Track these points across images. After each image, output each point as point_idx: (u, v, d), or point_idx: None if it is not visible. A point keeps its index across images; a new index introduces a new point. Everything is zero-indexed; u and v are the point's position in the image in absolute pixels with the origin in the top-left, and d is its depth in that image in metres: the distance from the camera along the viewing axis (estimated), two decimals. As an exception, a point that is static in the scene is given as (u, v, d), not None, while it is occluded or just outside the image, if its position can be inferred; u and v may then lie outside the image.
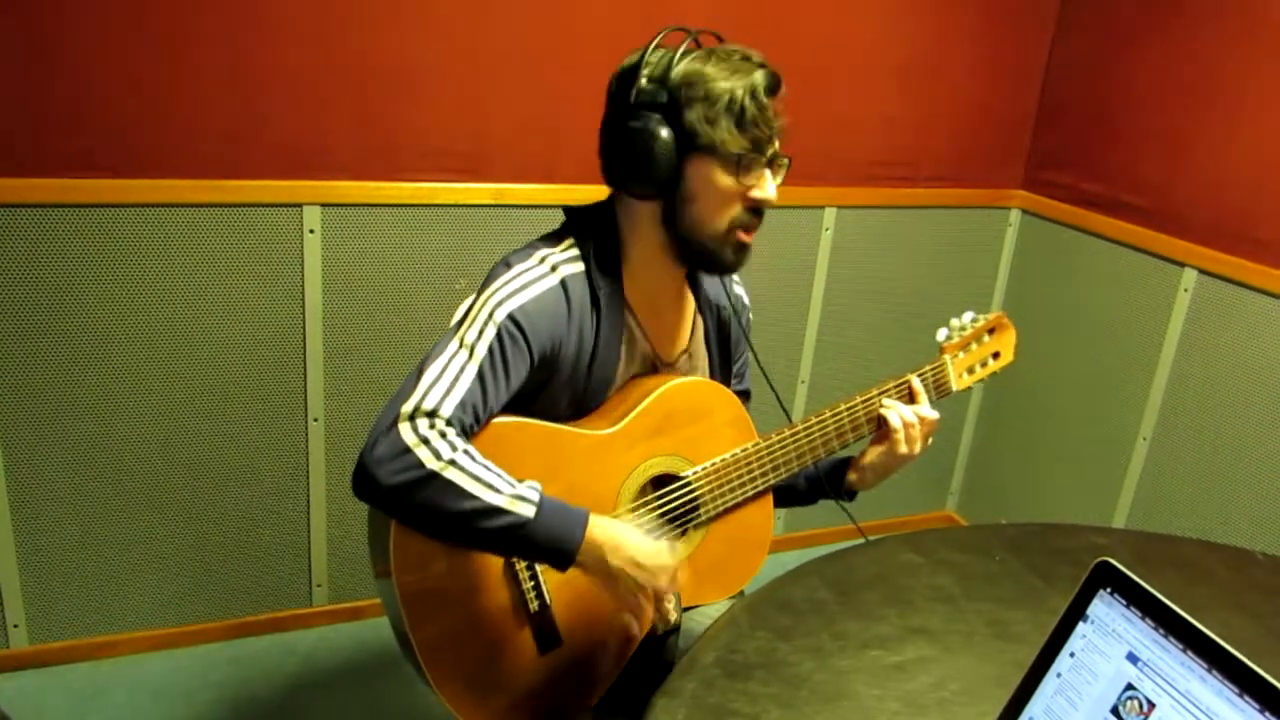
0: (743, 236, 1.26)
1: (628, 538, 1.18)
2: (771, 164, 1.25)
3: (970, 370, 1.53)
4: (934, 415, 1.44)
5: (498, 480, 1.14)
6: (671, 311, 1.39)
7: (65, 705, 2.01)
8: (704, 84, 1.20)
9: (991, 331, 1.55)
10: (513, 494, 1.13)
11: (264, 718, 2.04)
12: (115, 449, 2.04)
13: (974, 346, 1.53)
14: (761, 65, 1.23)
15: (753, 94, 1.20)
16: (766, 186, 1.25)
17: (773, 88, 1.23)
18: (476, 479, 1.12)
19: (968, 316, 1.53)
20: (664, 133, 1.20)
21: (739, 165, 1.22)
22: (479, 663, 1.25)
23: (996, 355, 1.56)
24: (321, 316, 2.12)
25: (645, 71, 1.22)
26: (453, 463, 1.12)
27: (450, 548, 1.21)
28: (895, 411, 1.41)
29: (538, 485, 1.17)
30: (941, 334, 1.51)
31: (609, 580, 1.19)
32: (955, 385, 1.51)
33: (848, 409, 1.41)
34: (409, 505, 1.13)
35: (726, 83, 1.20)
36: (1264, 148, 2.08)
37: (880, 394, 1.43)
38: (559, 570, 1.18)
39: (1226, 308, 2.16)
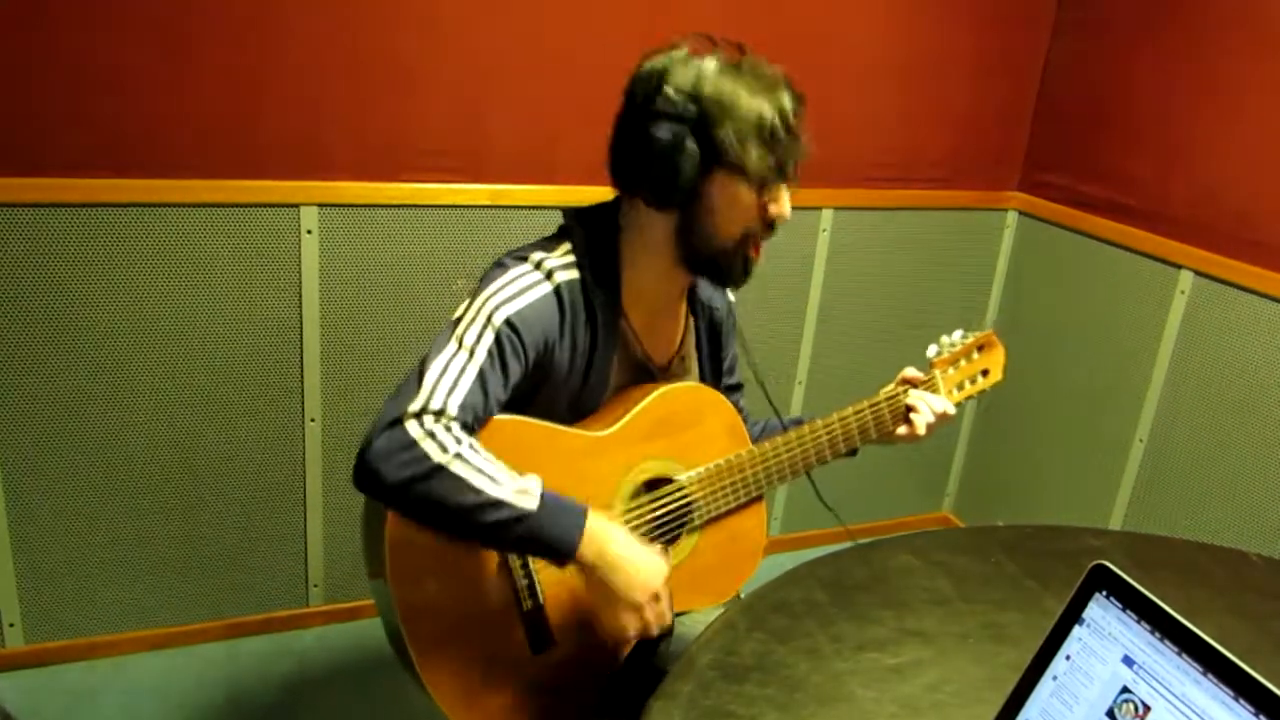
0: (752, 253, 1.29)
1: (626, 534, 1.20)
2: (790, 183, 1.27)
3: (959, 387, 1.54)
4: (953, 411, 1.50)
5: (500, 474, 1.14)
6: (667, 316, 1.40)
7: (61, 705, 2.01)
8: (734, 101, 1.20)
9: (980, 349, 1.55)
10: (515, 488, 1.14)
11: (260, 718, 2.04)
12: (111, 448, 2.04)
13: (962, 363, 1.54)
14: (787, 85, 1.25)
15: (783, 116, 1.22)
16: (784, 205, 1.27)
17: (800, 111, 1.25)
18: (480, 472, 1.13)
19: (957, 334, 1.55)
20: (692, 146, 1.20)
21: (763, 185, 1.23)
22: (471, 662, 1.25)
23: (985, 373, 1.56)
24: (319, 317, 2.12)
25: (672, 80, 1.21)
26: (458, 456, 1.12)
27: (444, 546, 1.21)
28: (924, 403, 1.46)
29: (539, 479, 1.17)
30: (931, 350, 1.53)
31: (606, 574, 1.17)
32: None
33: (840, 421, 1.43)
34: (413, 499, 1.13)
35: (756, 101, 1.21)
36: (1261, 150, 2.08)
37: (871, 407, 1.45)
38: (558, 565, 1.18)
39: (1222, 310, 2.16)
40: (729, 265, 1.29)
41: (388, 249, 2.13)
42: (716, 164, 1.22)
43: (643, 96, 1.23)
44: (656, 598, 1.19)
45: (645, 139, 1.21)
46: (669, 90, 1.21)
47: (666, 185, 1.22)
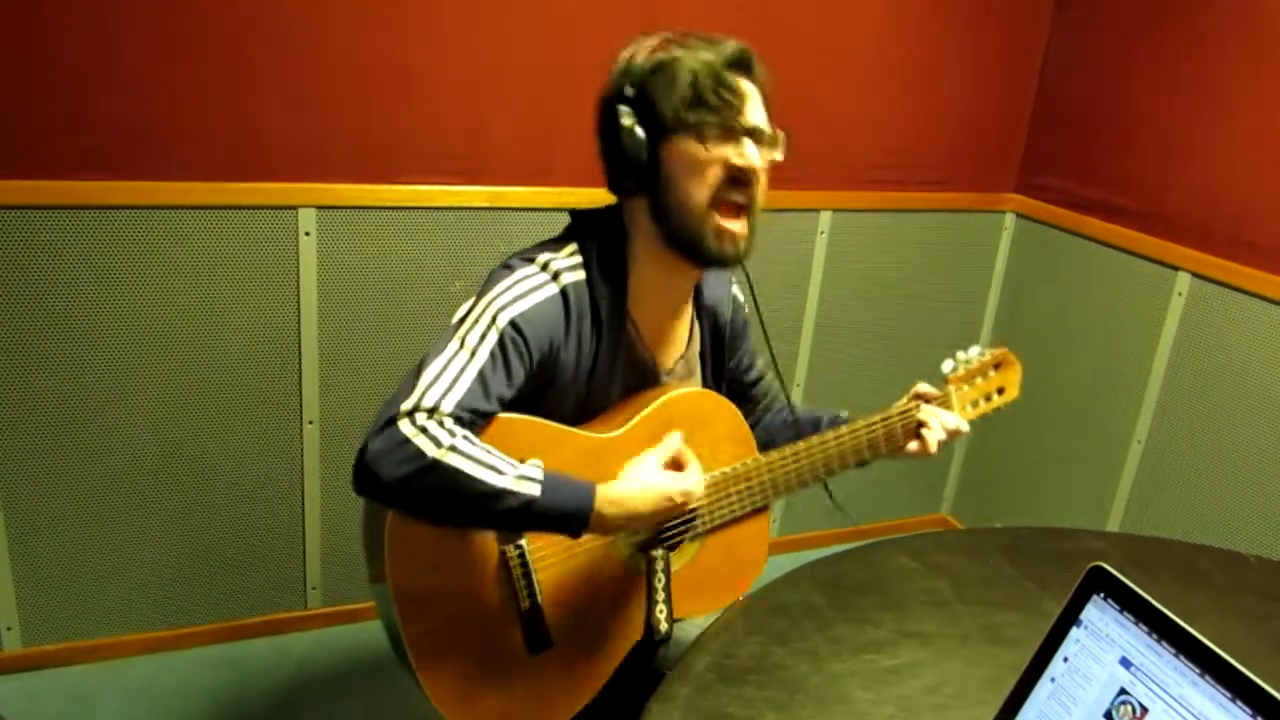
0: (723, 221, 1.24)
1: (636, 498, 1.20)
2: (754, 136, 1.24)
3: (974, 404, 1.53)
4: (966, 428, 1.48)
5: (500, 462, 1.14)
6: (672, 317, 1.39)
7: (59, 708, 2.00)
8: (667, 69, 1.22)
9: (997, 367, 1.54)
10: (516, 474, 1.14)
11: (258, 721, 2.04)
12: (109, 451, 2.04)
13: (979, 380, 1.53)
14: (730, 43, 1.24)
15: (710, 69, 1.21)
16: (748, 154, 1.23)
17: (736, 62, 1.24)
18: (479, 463, 1.12)
19: (974, 350, 1.53)
20: (633, 123, 1.23)
21: (704, 136, 1.21)
22: (468, 662, 1.25)
23: (1001, 391, 1.55)
24: (317, 319, 2.12)
25: (619, 70, 1.26)
26: (453, 449, 1.12)
27: (444, 546, 1.21)
28: (937, 419, 1.43)
29: (540, 463, 1.17)
30: (947, 365, 1.51)
31: (646, 520, 1.23)
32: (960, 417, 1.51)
33: (850, 434, 1.41)
34: (413, 496, 1.13)
35: (688, 64, 1.22)
36: (1258, 151, 2.08)
37: (883, 422, 1.42)
38: (573, 537, 1.20)
39: (1220, 311, 2.17)
40: (700, 239, 1.24)
41: (386, 251, 2.13)
42: (662, 133, 1.23)
43: (601, 97, 1.28)
44: (684, 495, 1.23)
45: (601, 133, 1.27)
46: (615, 79, 1.26)
47: (626, 168, 1.24)
